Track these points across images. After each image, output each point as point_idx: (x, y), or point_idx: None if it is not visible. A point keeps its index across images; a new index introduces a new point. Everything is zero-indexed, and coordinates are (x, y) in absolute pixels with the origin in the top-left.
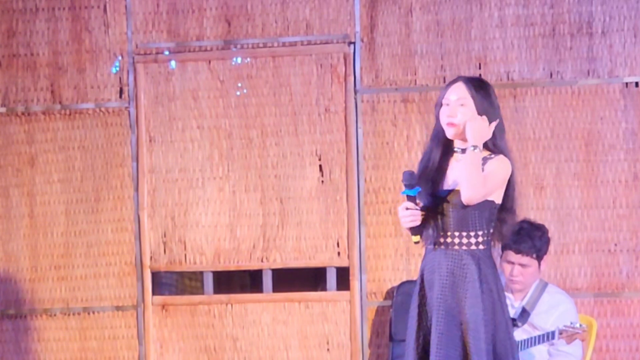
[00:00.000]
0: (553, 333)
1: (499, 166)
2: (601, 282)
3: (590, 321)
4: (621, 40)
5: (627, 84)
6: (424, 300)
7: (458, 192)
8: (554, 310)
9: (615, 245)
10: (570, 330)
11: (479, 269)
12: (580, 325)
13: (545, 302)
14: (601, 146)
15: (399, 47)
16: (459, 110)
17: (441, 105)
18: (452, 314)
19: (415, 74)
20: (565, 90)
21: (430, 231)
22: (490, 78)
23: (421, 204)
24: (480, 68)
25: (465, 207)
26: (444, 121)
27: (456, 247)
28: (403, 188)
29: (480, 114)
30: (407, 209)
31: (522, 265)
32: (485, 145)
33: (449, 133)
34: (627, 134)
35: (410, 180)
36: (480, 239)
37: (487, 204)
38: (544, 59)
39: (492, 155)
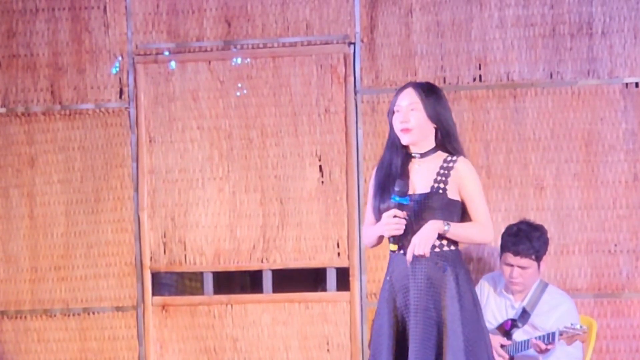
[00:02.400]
0: (553, 334)
1: (472, 176)
2: (601, 282)
3: (591, 322)
4: (621, 40)
5: (627, 84)
6: (395, 305)
7: (426, 195)
8: (554, 310)
9: (616, 245)
10: (571, 332)
11: (454, 269)
12: (581, 326)
13: (546, 303)
14: (601, 147)
15: (399, 48)
16: (410, 115)
17: (393, 112)
18: (429, 316)
19: (415, 75)
20: (566, 91)
21: (403, 236)
22: (490, 78)
23: (408, 213)
24: (480, 69)
25: (432, 209)
26: (397, 127)
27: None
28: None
29: (430, 117)
30: (395, 216)
31: (521, 267)
32: (443, 148)
33: (404, 139)
34: (627, 135)
35: (404, 188)
36: (450, 239)
37: (452, 202)
38: (544, 60)
39: (454, 158)
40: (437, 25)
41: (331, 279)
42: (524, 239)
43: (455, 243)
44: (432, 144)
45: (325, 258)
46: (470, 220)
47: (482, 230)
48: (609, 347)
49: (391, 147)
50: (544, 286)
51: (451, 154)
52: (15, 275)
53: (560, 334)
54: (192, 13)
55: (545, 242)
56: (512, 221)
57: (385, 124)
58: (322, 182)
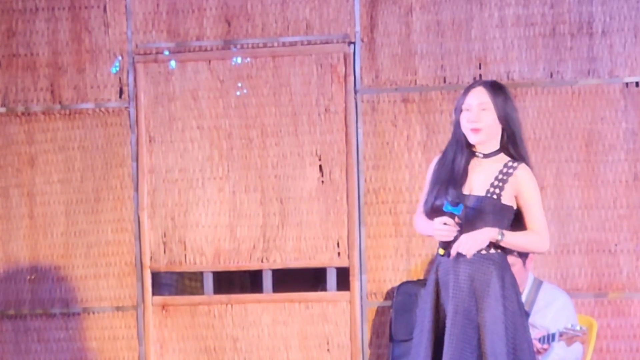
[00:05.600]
0: (553, 335)
1: (531, 184)
2: (602, 282)
3: (591, 322)
4: (621, 40)
5: (627, 84)
6: (439, 302)
7: (480, 198)
8: (551, 306)
9: (616, 245)
10: (571, 333)
11: (500, 273)
12: (581, 327)
13: (542, 299)
14: (601, 146)
15: (399, 47)
16: (481, 115)
17: (461, 110)
18: (469, 317)
19: (415, 74)
20: (566, 90)
21: (452, 242)
22: (490, 78)
23: (459, 222)
24: (480, 68)
25: (484, 213)
26: (466, 127)
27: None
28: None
29: (499, 118)
30: (444, 224)
31: None
32: (505, 150)
33: (472, 139)
34: (627, 134)
35: (457, 198)
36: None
37: (505, 208)
38: (544, 59)
39: (515, 164)
40: (437, 25)
41: (331, 278)
42: None
43: (502, 247)
44: (497, 146)
45: (326, 258)
46: (521, 226)
47: (539, 240)
48: (610, 347)
49: (456, 144)
50: (538, 284)
51: (514, 158)
52: (15, 275)
53: (560, 335)
54: (192, 12)
55: None
56: None
57: (385, 123)
58: (322, 181)
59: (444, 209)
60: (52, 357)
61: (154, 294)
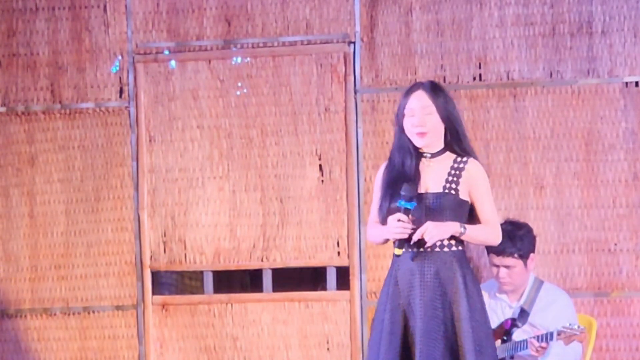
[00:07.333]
0: (552, 334)
1: (483, 178)
2: (601, 281)
3: (590, 321)
4: (621, 39)
5: (627, 83)
6: (400, 302)
7: (438, 195)
8: (551, 306)
9: (615, 244)
10: (569, 332)
11: (462, 271)
12: (579, 326)
13: (543, 299)
14: (601, 146)
15: (399, 47)
16: (426, 119)
17: (404, 115)
18: (435, 315)
19: (415, 74)
20: (565, 90)
21: (408, 240)
22: (490, 78)
23: (414, 219)
24: (480, 67)
25: (444, 208)
26: (411, 131)
27: (437, 248)
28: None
29: (442, 119)
30: (399, 220)
31: (506, 266)
32: (449, 147)
33: (419, 143)
34: (627, 134)
35: (410, 193)
36: (458, 239)
37: (462, 203)
38: (544, 59)
39: (465, 159)
40: (437, 24)
41: (331, 277)
42: (505, 238)
43: (462, 243)
44: (442, 145)
45: (325, 257)
46: (473, 220)
47: (493, 233)
48: (609, 346)
49: (400, 149)
50: (539, 284)
51: (460, 154)
52: (15, 274)
53: (558, 334)
54: (192, 12)
55: (530, 240)
56: None
57: (385, 122)
58: (322, 181)
59: (398, 204)
60: (52, 356)
61: (154, 293)
